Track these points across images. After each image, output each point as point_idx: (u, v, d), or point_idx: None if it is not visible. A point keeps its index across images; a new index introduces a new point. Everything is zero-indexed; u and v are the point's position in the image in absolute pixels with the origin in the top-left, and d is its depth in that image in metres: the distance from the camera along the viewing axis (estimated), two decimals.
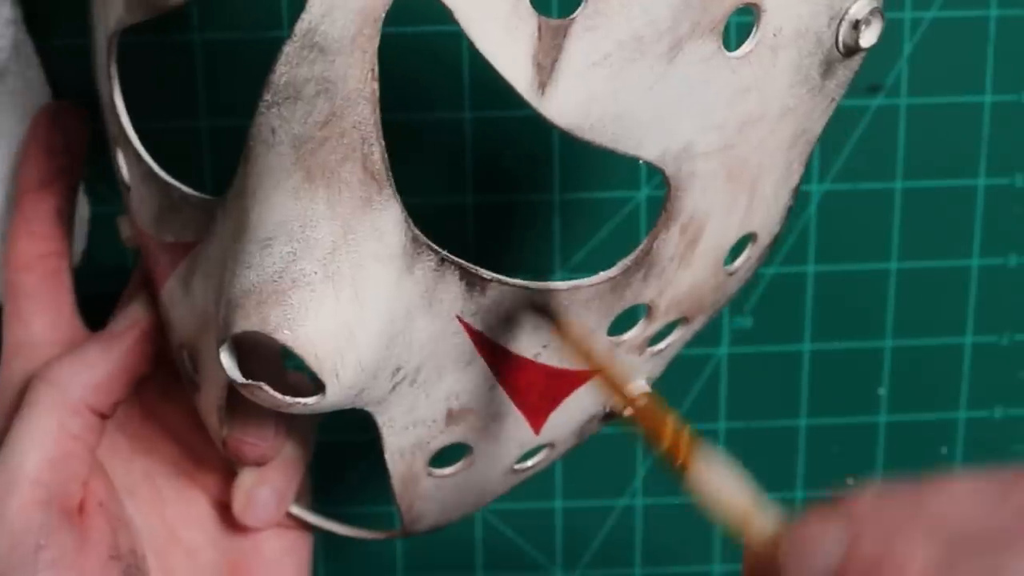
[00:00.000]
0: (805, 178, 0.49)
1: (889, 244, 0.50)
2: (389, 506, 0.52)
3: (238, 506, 0.41)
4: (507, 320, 0.35)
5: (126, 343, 0.40)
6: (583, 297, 0.35)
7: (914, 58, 0.48)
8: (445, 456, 0.39)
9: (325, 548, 0.51)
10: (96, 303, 0.44)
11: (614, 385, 0.37)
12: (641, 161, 0.34)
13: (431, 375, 0.35)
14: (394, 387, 0.35)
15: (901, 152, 0.49)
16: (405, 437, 0.37)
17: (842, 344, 0.51)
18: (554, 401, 0.38)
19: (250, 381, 0.33)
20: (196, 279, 0.37)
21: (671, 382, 0.51)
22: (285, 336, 0.31)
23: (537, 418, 0.38)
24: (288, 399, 0.33)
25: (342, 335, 0.32)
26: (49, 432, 0.38)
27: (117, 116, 0.37)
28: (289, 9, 0.46)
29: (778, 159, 0.36)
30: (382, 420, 0.36)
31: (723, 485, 0.32)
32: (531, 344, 0.36)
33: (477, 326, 0.35)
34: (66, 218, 0.42)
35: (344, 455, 0.50)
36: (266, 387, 0.33)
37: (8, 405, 0.41)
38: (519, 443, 0.39)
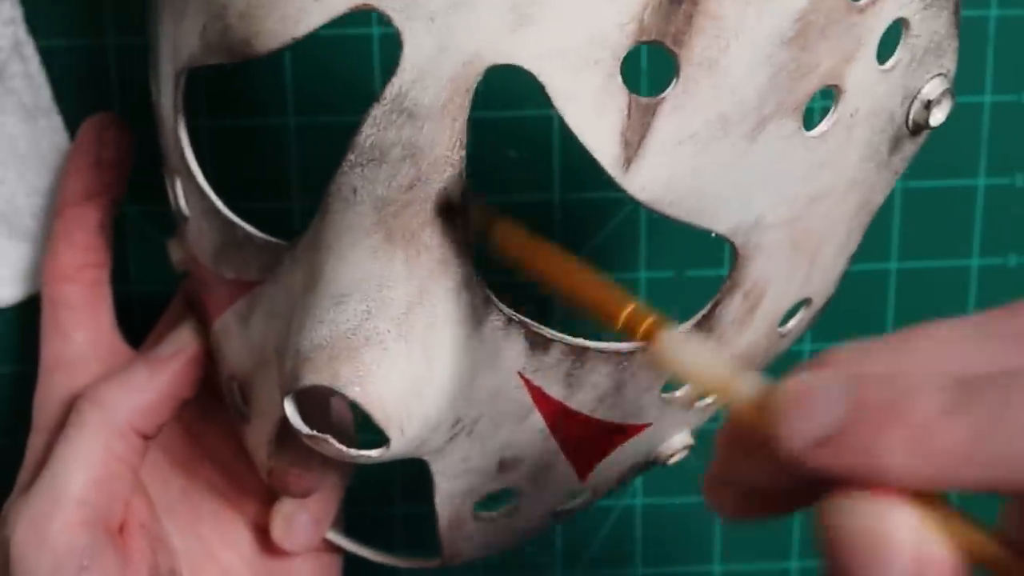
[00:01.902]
0: None
1: (889, 244, 0.50)
2: (391, 509, 0.52)
3: (277, 531, 0.42)
4: (567, 376, 0.35)
5: (173, 368, 0.40)
6: (641, 359, 0.36)
7: None
8: (492, 499, 0.39)
9: None
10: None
11: (563, 270, 0.34)
12: (713, 234, 0.34)
13: (488, 427, 0.36)
14: (452, 438, 0.35)
15: None
16: (457, 484, 0.38)
17: (842, 344, 0.51)
18: (603, 452, 0.39)
19: (316, 433, 0.33)
20: (256, 318, 0.37)
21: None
22: (355, 393, 0.32)
23: (585, 468, 0.39)
24: (353, 452, 0.33)
25: (411, 393, 0.32)
26: (95, 453, 0.39)
27: (181, 149, 0.37)
28: None
29: (840, 229, 0.37)
30: (436, 468, 0.37)
31: (694, 352, 0.30)
32: (588, 400, 0.36)
33: (537, 382, 0.35)
34: (108, 231, 0.43)
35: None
36: (332, 440, 0.33)
37: (50, 420, 0.41)
38: (565, 490, 0.40)
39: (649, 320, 0.31)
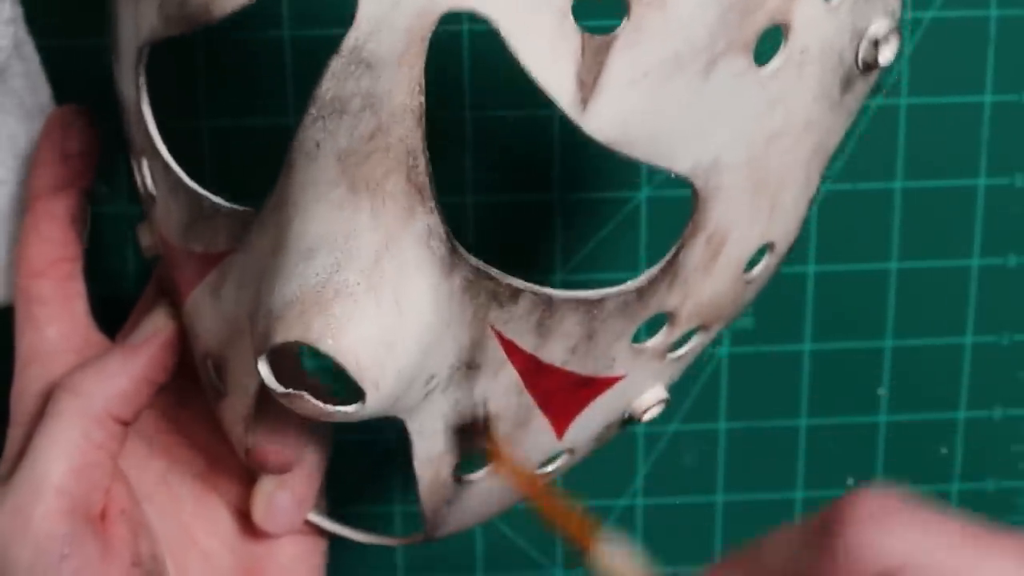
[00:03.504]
0: None
1: (889, 244, 0.50)
2: (389, 506, 0.52)
3: (258, 513, 0.42)
4: (537, 327, 0.36)
5: (148, 353, 0.40)
6: (611, 306, 0.36)
7: (914, 58, 0.48)
8: (471, 462, 0.39)
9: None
10: (95, 304, 0.43)
11: (525, 480, 0.38)
12: (672, 174, 0.34)
13: (462, 382, 0.36)
14: (426, 395, 0.35)
15: (901, 152, 0.49)
16: (434, 443, 0.37)
17: (842, 344, 0.51)
18: (578, 407, 0.39)
19: (291, 391, 0.33)
20: (227, 289, 0.37)
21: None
22: (328, 346, 0.32)
23: (561, 424, 0.39)
24: (329, 408, 0.33)
25: (383, 345, 0.32)
26: (73, 442, 0.39)
27: (144, 126, 0.37)
28: (289, 8, 0.46)
29: (799, 171, 0.37)
30: (413, 427, 0.37)
31: (621, 563, 0.34)
32: (560, 351, 0.36)
33: (509, 335, 0.35)
34: (79, 223, 0.43)
35: (344, 455, 0.50)
36: (308, 397, 0.33)
37: (27, 413, 0.41)
38: (542, 449, 0.40)
39: (589, 530, 0.34)
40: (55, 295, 0.42)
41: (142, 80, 0.37)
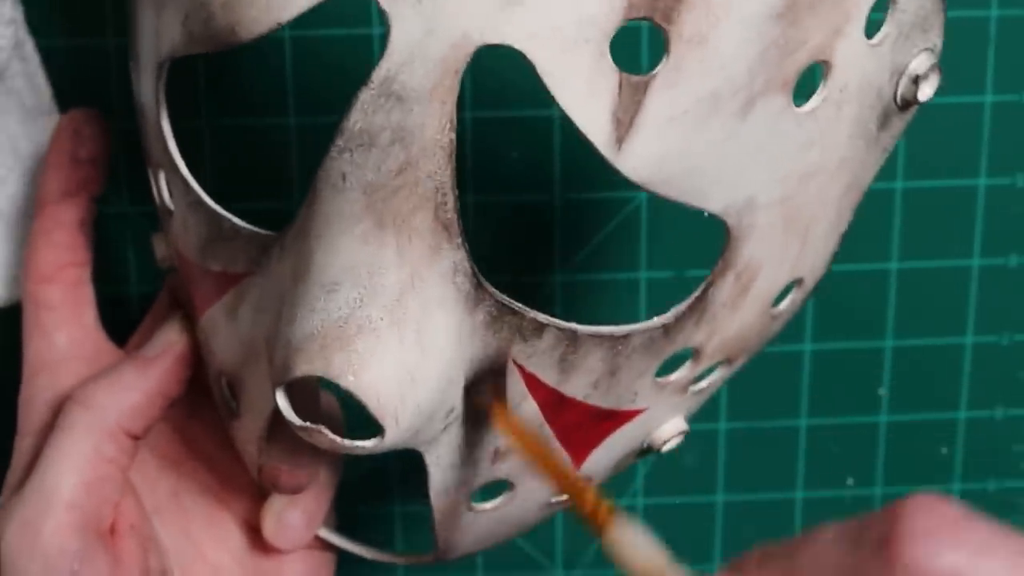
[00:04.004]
0: None
1: (889, 244, 0.50)
2: (389, 507, 0.52)
3: (269, 529, 0.41)
4: (560, 362, 0.35)
5: (163, 367, 0.40)
6: (636, 341, 0.36)
7: None
8: (487, 491, 0.39)
9: None
10: (96, 304, 0.43)
11: (543, 459, 0.37)
12: (706, 213, 0.34)
13: (482, 416, 0.36)
14: (446, 427, 0.35)
15: (901, 152, 0.49)
16: (451, 475, 0.37)
17: (842, 344, 0.51)
18: (598, 439, 0.38)
19: (309, 424, 0.33)
20: (244, 310, 0.37)
21: None
22: (349, 382, 0.32)
23: (580, 455, 0.39)
24: (347, 443, 0.33)
25: (405, 381, 0.32)
26: (85, 456, 0.38)
27: (164, 142, 0.37)
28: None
29: (831, 208, 0.37)
30: (430, 459, 0.36)
31: (638, 547, 0.32)
32: (582, 385, 0.36)
33: (531, 369, 0.35)
34: (88, 229, 0.42)
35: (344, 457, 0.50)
36: (326, 431, 0.33)
37: (36, 422, 0.40)
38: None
39: (605, 507, 0.33)
40: (64, 301, 0.41)
41: (162, 96, 0.36)
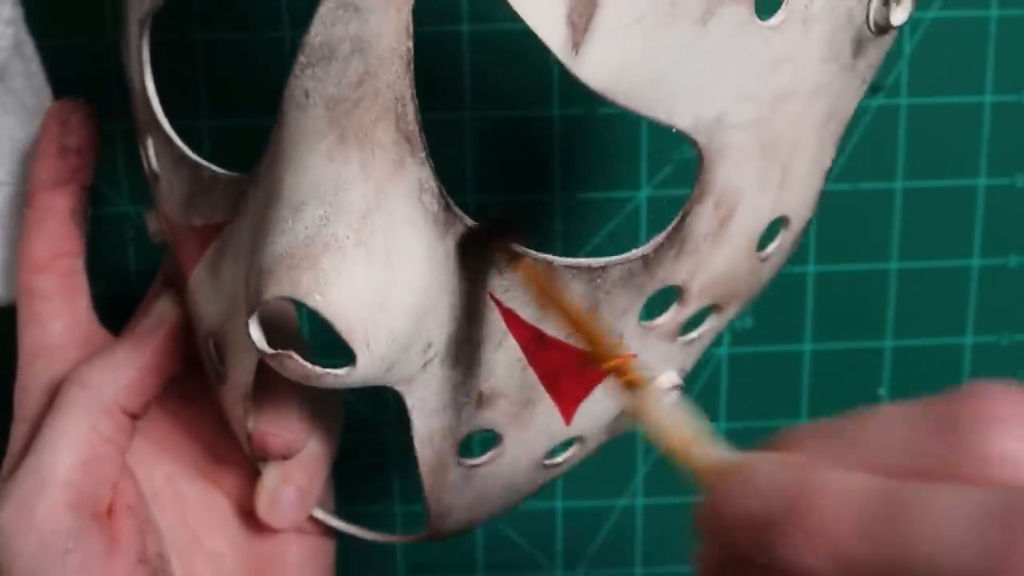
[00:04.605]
0: None
1: (889, 244, 0.50)
2: (392, 506, 0.52)
3: (263, 506, 0.41)
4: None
5: (155, 342, 0.40)
6: (615, 275, 0.35)
7: (914, 58, 0.48)
8: (475, 446, 0.38)
9: None
10: (97, 304, 0.44)
11: (571, 311, 0.35)
12: (674, 129, 0.33)
13: (462, 354, 0.35)
14: (425, 365, 0.34)
15: (901, 152, 0.49)
16: (435, 420, 0.36)
17: (842, 344, 0.51)
18: (586, 388, 0.38)
19: (279, 351, 0.32)
20: (226, 262, 0.36)
21: None
22: (316, 301, 0.31)
23: (568, 407, 0.38)
24: (318, 369, 0.32)
25: (374, 303, 0.32)
26: (81, 434, 0.38)
27: (148, 102, 0.37)
28: (289, 9, 0.46)
29: (811, 138, 0.36)
30: (411, 401, 0.36)
31: (669, 412, 0.30)
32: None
33: (509, 303, 0.35)
34: (80, 218, 0.42)
35: (345, 455, 0.50)
36: (296, 356, 0.32)
37: (31, 408, 0.41)
38: (549, 433, 0.39)
39: (637, 373, 0.31)
40: (57, 290, 0.42)
41: (145, 54, 0.36)
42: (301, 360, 0.32)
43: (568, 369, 0.37)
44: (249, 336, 0.33)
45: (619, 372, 0.31)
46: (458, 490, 0.39)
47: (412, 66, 0.32)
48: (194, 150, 0.42)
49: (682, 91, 0.33)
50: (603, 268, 0.35)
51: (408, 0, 0.31)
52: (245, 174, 0.35)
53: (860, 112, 0.48)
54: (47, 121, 0.43)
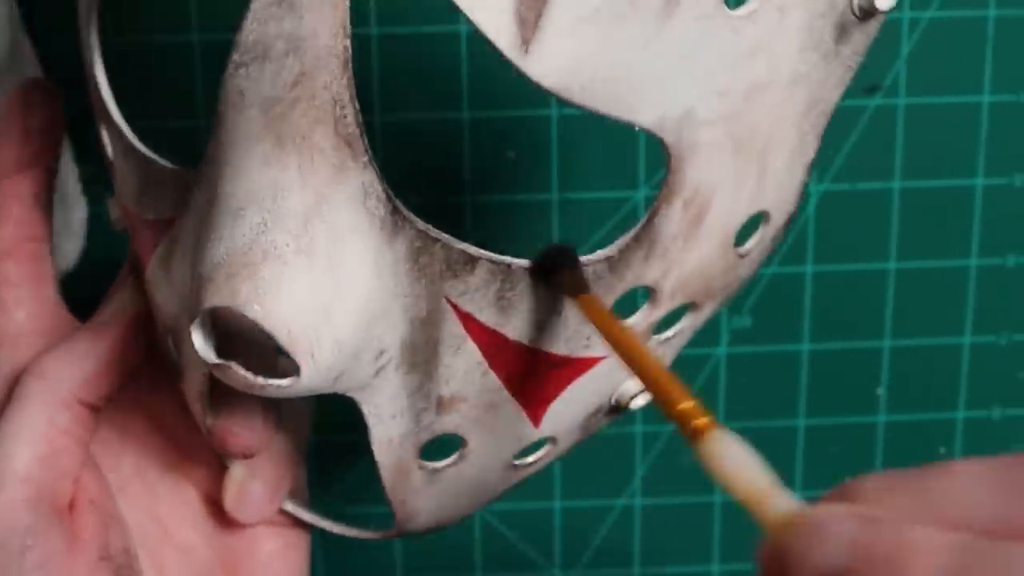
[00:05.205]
0: None
1: (887, 244, 0.50)
2: (381, 506, 0.52)
3: (229, 500, 0.40)
4: (498, 300, 0.34)
5: (115, 332, 0.39)
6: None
7: (912, 58, 0.48)
8: (439, 450, 0.37)
9: (323, 549, 0.51)
10: (93, 305, 0.43)
11: (632, 351, 0.33)
12: (637, 128, 0.32)
13: (418, 360, 0.34)
14: (378, 372, 0.33)
15: (899, 152, 0.49)
16: (393, 426, 0.35)
17: (841, 344, 0.51)
18: (553, 391, 0.36)
19: (221, 361, 0.31)
20: (176, 259, 0.35)
21: None
22: (256, 312, 0.30)
23: (535, 409, 0.37)
24: (260, 380, 0.31)
25: (318, 312, 0.30)
26: (38, 428, 0.37)
27: (99, 90, 0.36)
28: None
29: (790, 131, 0.35)
30: (367, 408, 0.35)
31: (737, 461, 0.28)
32: (525, 327, 0.34)
33: (467, 307, 0.33)
34: (44, 203, 0.41)
35: (340, 455, 0.50)
36: (235, 367, 0.31)
37: None
38: (517, 436, 0.37)
39: (703, 419, 0.29)
40: (23, 277, 0.40)
41: (95, 38, 0.35)
42: (241, 371, 0.31)
43: (534, 372, 0.36)
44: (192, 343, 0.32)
45: (684, 419, 0.29)
46: (422, 493, 0.38)
47: (350, 66, 0.30)
48: (194, 150, 0.41)
49: (644, 88, 0.31)
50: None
51: None
52: (191, 168, 0.34)
53: (858, 112, 0.48)
54: (10, 104, 0.41)
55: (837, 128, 0.48)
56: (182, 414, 0.40)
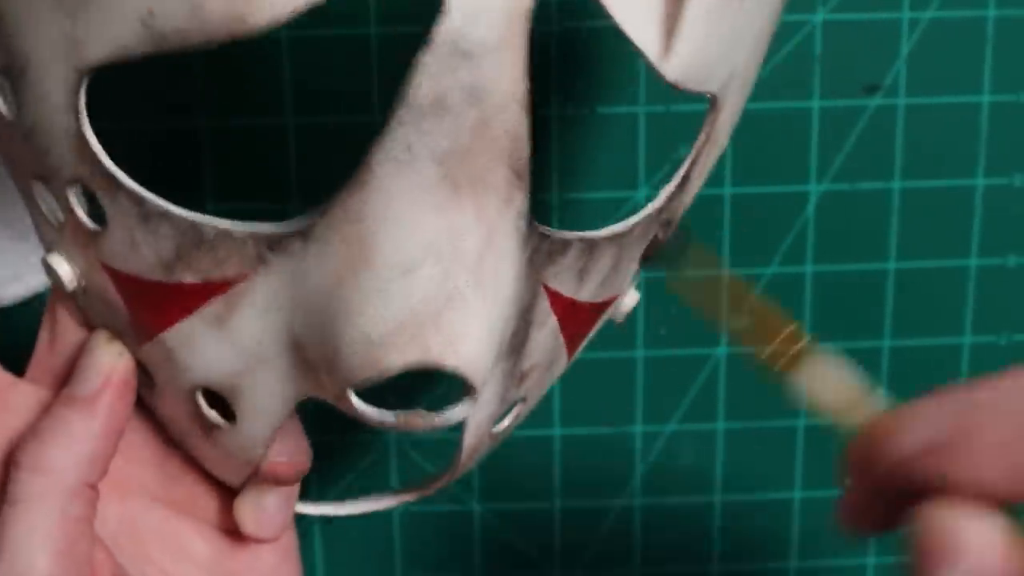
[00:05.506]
0: (803, 178, 0.49)
1: (887, 244, 0.50)
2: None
3: (248, 522, 0.39)
4: (580, 273, 0.35)
5: (107, 403, 0.37)
6: (636, 231, 0.36)
7: (912, 58, 0.48)
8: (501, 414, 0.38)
9: (324, 550, 0.51)
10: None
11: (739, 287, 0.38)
12: (706, 95, 0.34)
13: (516, 345, 0.35)
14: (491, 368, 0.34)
15: (899, 152, 0.49)
16: (485, 411, 0.36)
17: (840, 344, 0.51)
18: (592, 327, 0.38)
19: (407, 411, 0.32)
20: (241, 316, 0.34)
21: (670, 381, 0.51)
22: (451, 361, 0.30)
23: (574, 348, 0.38)
24: (442, 417, 0.32)
25: (492, 337, 0.31)
26: (53, 524, 0.35)
27: (91, 155, 0.33)
28: None
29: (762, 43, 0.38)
30: (481, 398, 0.35)
31: (832, 375, 0.34)
32: (592, 287, 0.36)
33: (554, 286, 0.35)
34: None
35: (342, 454, 0.50)
36: (425, 413, 0.32)
37: None
38: (556, 374, 0.39)
39: (804, 344, 0.34)
40: None
41: (82, 104, 0.32)
42: (431, 414, 0.32)
43: (587, 323, 0.38)
44: (353, 409, 0.32)
45: (787, 343, 0.34)
46: (479, 454, 0.39)
47: (530, 106, 0.30)
48: (194, 150, 0.41)
49: (720, 62, 0.33)
50: (630, 230, 0.35)
51: (524, 39, 0.29)
52: (273, 228, 0.33)
53: (858, 112, 0.48)
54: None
55: (837, 128, 0.48)
56: (159, 446, 0.39)
